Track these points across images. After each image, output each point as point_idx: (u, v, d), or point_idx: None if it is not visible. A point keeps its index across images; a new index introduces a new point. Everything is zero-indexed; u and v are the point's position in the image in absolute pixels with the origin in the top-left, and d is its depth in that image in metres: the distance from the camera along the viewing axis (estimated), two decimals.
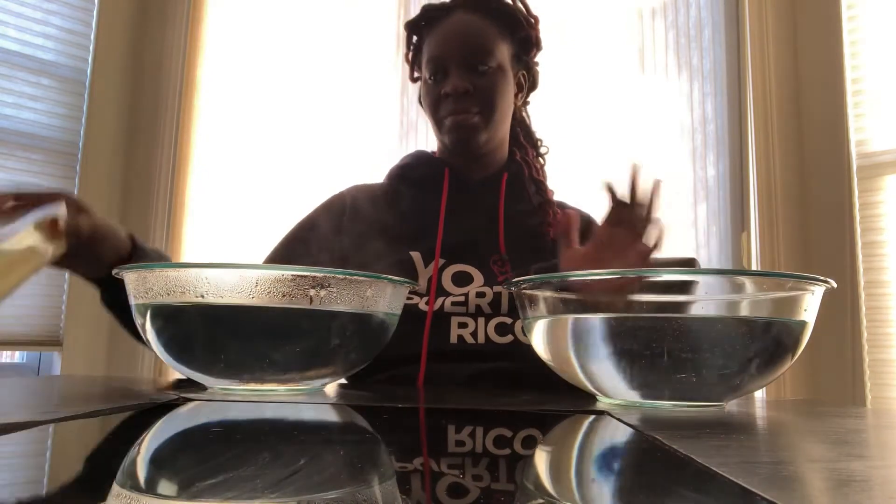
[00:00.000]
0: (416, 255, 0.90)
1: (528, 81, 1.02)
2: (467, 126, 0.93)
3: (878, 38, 1.88)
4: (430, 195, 0.97)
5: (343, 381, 0.72)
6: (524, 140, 1.03)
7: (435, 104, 0.95)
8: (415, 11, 2.15)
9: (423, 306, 0.87)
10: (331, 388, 0.63)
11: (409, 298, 0.86)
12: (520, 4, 0.98)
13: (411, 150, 1.04)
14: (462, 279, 0.89)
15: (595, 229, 0.80)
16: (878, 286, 1.82)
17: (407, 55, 1.03)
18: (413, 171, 1.01)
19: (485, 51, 0.93)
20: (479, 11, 0.95)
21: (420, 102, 1.02)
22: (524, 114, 1.06)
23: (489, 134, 0.95)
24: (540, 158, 1.05)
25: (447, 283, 0.89)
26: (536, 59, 1.03)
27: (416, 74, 1.03)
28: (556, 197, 1.03)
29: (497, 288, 0.87)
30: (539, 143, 1.06)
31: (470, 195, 0.97)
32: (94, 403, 0.45)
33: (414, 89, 1.11)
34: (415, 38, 1.01)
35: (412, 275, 0.89)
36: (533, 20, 0.99)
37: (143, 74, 2.05)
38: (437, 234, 0.92)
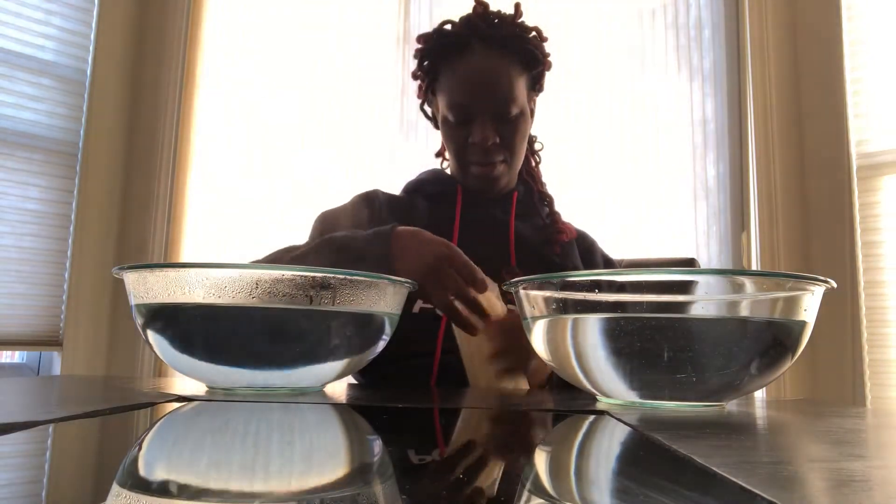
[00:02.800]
0: None
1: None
2: (493, 177, 0.97)
3: (878, 38, 1.88)
4: (445, 208, 1.01)
5: (350, 377, 0.73)
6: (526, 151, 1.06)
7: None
8: (415, 12, 2.17)
9: (438, 311, 0.90)
10: (331, 388, 0.63)
11: (426, 302, 0.91)
12: (535, 36, 0.98)
13: (410, 149, 1.06)
14: None
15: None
16: (878, 286, 1.82)
17: (415, 73, 1.04)
18: (428, 187, 1.05)
19: (510, 99, 0.94)
20: (497, 48, 0.95)
21: (421, 110, 1.06)
22: None
23: (511, 176, 1.01)
24: (536, 156, 1.09)
25: None
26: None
27: (423, 91, 1.05)
28: (558, 206, 1.07)
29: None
30: (534, 139, 1.10)
31: (482, 210, 1.01)
32: (94, 403, 0.45)
33: (413, 88, 1.13)
34: (426, 61, 1.01)
35: None
36: (546, 54, 1.00)
37: (143, 74, 2.05)
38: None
